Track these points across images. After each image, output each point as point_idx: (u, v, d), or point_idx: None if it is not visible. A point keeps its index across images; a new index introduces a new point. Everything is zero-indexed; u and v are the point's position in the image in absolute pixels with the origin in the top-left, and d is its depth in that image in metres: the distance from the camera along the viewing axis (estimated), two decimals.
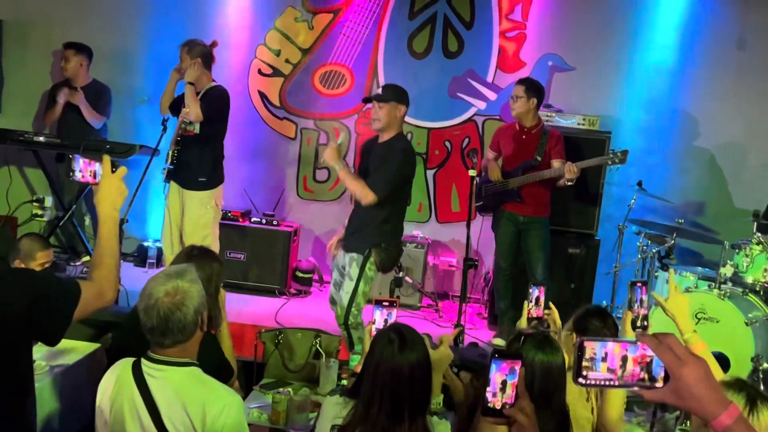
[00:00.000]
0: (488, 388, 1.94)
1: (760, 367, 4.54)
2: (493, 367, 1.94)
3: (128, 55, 6.70)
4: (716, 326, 4.77)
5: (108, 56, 6.67)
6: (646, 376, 1.35)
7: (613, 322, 3.18)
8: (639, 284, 2.86)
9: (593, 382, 1.36)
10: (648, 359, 1.35)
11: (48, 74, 6.81)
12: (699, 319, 4.79)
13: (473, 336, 5.49)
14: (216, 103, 5.39)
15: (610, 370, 1.35)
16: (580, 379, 1.35)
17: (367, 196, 4.45)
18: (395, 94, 4.60)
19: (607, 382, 1.36)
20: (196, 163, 5.40)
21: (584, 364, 1.35)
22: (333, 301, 4.75)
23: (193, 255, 3.22)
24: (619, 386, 1.38)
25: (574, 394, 3.11)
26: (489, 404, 1.96)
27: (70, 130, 6.22)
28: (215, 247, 5.59)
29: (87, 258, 6.26)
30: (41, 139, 6.08)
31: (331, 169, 6.75)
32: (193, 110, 5.22)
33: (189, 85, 5.24)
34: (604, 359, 1.35)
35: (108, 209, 2.43)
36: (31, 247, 3.66)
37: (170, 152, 5.41)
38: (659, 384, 1.35)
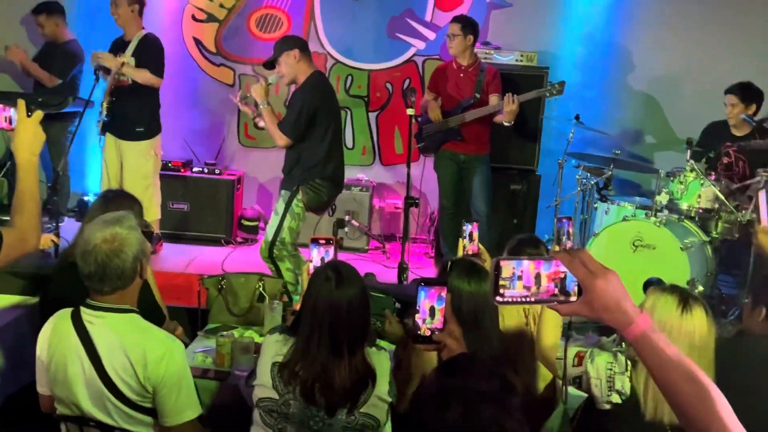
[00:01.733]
0: (417, 315, 2.00)
1: (696, 291, 4.69)
2: (422, 294, 1.99)
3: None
4: (653, 253, 4.90)
5: None
6: (560, 291, 1.39)
7: (546, 249, 3.26)
8: (565, 219, 2.95)
9: (509, 299, 1.39)
10: (561, 275, 1.39)
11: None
12: (636, 247, 4.92)
13: (419, 275, 5.56)
14: (151, 51, 5.32)
15: (526, 287, 1.38)
16: (497, 297, 1.39)
17: (279, 138, 4.63)
18: (280, 46, 4.67)
19: (523, 299, 1.39)
20: (133, 113, 5.33)
21: (501, 282, 1.38)
22: None
23: (109, 199, 3.22)
24: (535, 302, 1.41)
25: (512, 322, 3.20)
26: (420, 331, 2.01)
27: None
28: (157, 198, 5.55)
29: None
30: None
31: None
32: (139, 76, 5.22)
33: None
34: (520, 278, 1.38)
35: (26, 154, 2.36)
36: None
37: (104, 104, 5.30)
38: (573, 298, 1.39)
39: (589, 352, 2.45)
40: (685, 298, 2.28)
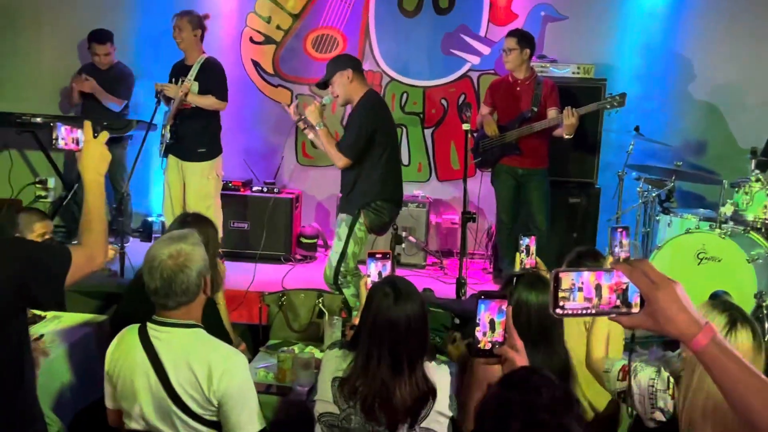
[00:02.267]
0: (478, 328, 1.99)
1: (764, 303, 4.55)
2: (482, 307, 1.98)
3: (116, 31, 6.68)
4: (718, 265, 4.78)
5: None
6: (622, 303, 1.37)
7: (606, 262, 3.21)
8: (619, 229, 2.91)
9: (570, 311, 1.38)
10: (623, 286, 1.36)
11: (38, 57, 6.83)
12: (701, 260, 4.81)
13: (477, 290, 5.53)
14: (215, 76, 5.44)
15: (587, 299, 1.36)
16: (557, 310, 1.37)
17: (338, 159, 4.57)
18: (333, 66, 4.64)
19: (584, 311, 1.38)
20: (195, 135, 5.43)
21: (561, 294, 1.36)
22: None
23: (187, 222, 3.26)
24: (596, 314, 1.39)
25: (573, 337, 3.15)
26: (479, 344, 2.00)
27: (89, 114, 6.23)
28: (218, 218, 5.63)
29: None
30: (38, 120, 6.09)
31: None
32: (204, 103, 5.36)
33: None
34: (580, 289, 1.36)
35: (93, 174, 2.43)
36: (28, 220, 3.67)
37: (167, 127, 5.43)
38: (635, 310, 1.36)
39: (633, 366, 2.39)
40: (733, 319, 2.19)
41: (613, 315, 1.38)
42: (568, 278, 1.37)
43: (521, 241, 3.54)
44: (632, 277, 1.35)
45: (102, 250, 2.41)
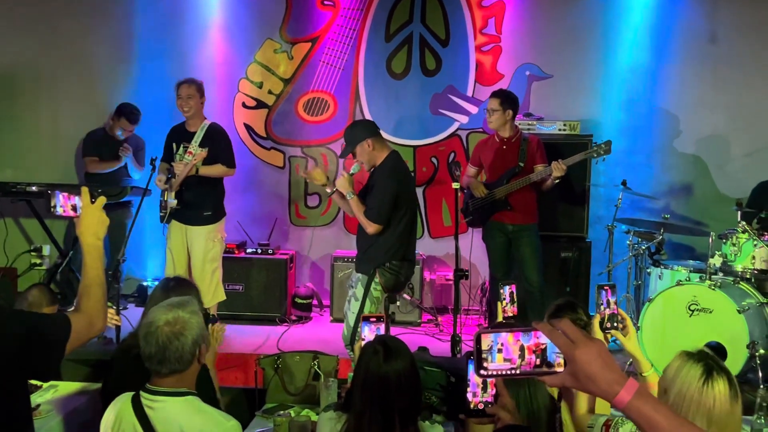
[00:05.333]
0: (468, 389, 2.02)
1: (757, 353, 4.57)
2: (471, 367, 2.02)
3: (116, 104, 6.81)
4: (710, 316, 4.81)
5: (96, 106, 6.82)
6: (542, 363, 1.36)
7: (584, 312, 3.22)
8: (605, 287, 2.93)
9: (493, 372, 1.37)
10: (543, 346, 1.36)
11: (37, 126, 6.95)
12: (692, 311, 4.84)
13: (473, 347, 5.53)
14: (221, 144, 5.51)
15: (506, 360, 1.35)
16: (482, 371, 1.36)
17: (368, 226, 4.59)
18: (353, 135, 4.70)
19: (507, 372, 1.37)
20: (200, 199, 5.46)
21: (483, 356, 1.35)
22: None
23: (170, 287, 3.29)
24: (520, 375, 1.38)
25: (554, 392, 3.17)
26: (471, 405, 2.04)
27: (112, 181, 6.42)
28: (221, 280, 5.66)
29: None
30: (34, 188, 6.15)
31: (322, 195, 6.84)
32: (214, 173, 5.48)
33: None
34: (500, 350, 1.35)
35: (91, 239, 2.48)
36: (39, 300, 3.66)
37: (171, 194, 5.44)
38: (559, 369, 1.35)
39: (615, 420, 2.41)
40: (710, 368, 2.20)
41: (537, 375, 1.38)
42: (487, 339, 1.36)
43: (502, 290, 3.50)
44: (552, 336, 1.35)
45: (101, 315, 2.43)
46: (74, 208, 2.60)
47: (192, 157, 5.36)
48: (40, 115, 7.03)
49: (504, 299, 3.49)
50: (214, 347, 3.44)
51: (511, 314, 3.47)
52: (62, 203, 2.64)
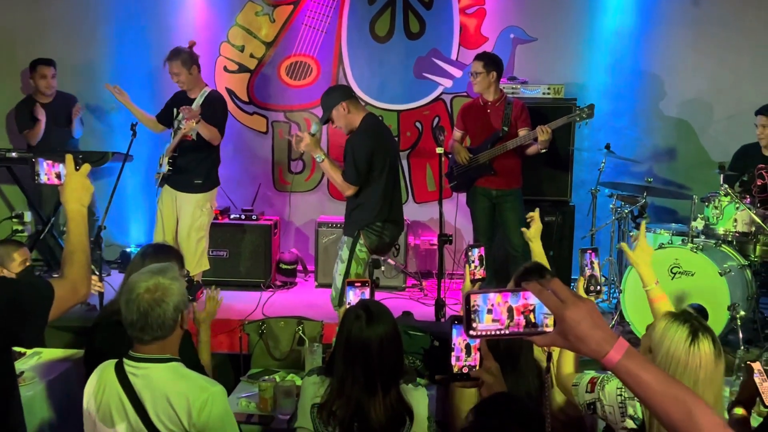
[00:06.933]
0: (452, 353, 2.03)
1: (737, 315, 4.62)
2: (455, 332, 2.02)
3: (92, 64, 6.70)
4: (692, 279, 4.85)
5: (73, 68, 6.69)
6: (531, 323, 1.36)
7: (551, 276, 3.22)
8: (589, 251, 2.95)
9: (482, 333, 1.37)
10: (531, 307, 1.36)
11: (16, 91, 6.82)
12: (674, 274, 4.88)
13: (457, 311, 5.56)
14: (217, 110, 5.46)
15: (495, 321, 1.36)
16: (471, 331, 1.37)
17: (345, 188, 4.65)
18: (328, 100, 4.74)
19: (496, 332, 1.37)
20: (193, 166, 5.44)
21: (471, 316, 1.36)
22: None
23: (148, 254, 3.28)
24: (510, 335, 1.38)
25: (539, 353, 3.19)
26: (454, 369, 2.04)
27: (54, 143, 6.28)
28: (206, 250, 5.65)
29: None
30: (14, 154, 6.07)
31: (306, 160, 6.81)
32: (208, 133, 5.32)
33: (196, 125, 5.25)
34: (489, 311, 1.36)
35: (75, 205, 2.46)
36: (5, 251, 3.69)
37: (166, 158, 5.43)
38: (548, 329, 1.36)
39: (600, 378, 2.44)
40: (695, 329, 2.22)
41: (526, 336, 1.38)
42: (476, 299, 1.36)
43: (470, 253, 3.49)
44: (541, 296, 1.35)
45: (85, 282, 2.43)
46: (58, 175, 2.59)
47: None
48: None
49: (473, 262, 3.49)
50: (213, 311, 3.43)
51: (479, 277, 3.47)
52: (46, 171, 2.62)
